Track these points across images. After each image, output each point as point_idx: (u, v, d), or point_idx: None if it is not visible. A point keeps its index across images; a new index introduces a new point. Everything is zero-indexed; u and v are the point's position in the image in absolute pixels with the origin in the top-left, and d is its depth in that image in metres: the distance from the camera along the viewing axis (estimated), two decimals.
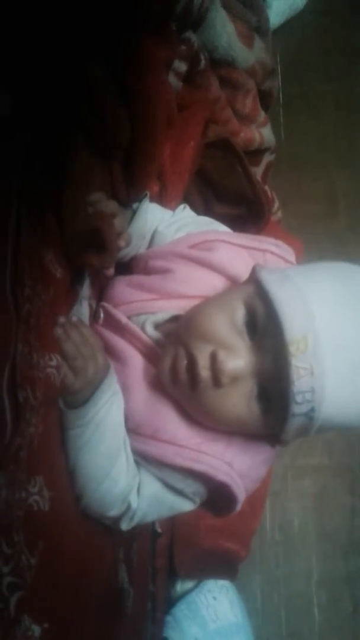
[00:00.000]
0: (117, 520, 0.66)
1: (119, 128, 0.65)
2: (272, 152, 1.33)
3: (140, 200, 0.74)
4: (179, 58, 0.88)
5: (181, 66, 0.89)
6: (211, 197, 1.12)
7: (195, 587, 1.25)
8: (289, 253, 0.75)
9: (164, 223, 0.78)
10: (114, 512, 0.65)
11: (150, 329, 0.68)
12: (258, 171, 1.32)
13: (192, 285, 0.70)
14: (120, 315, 0.70)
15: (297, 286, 0.56)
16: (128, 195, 0.72)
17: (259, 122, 1.22)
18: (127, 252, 0.76)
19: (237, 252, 0.72)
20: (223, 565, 1.27)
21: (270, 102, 1.32)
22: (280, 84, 1.63)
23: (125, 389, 0.66)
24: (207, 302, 0.65)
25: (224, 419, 0.61)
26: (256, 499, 1.36)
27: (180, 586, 1.26)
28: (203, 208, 1.12)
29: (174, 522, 1.18)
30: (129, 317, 0.70)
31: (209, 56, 1.02)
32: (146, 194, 0.73)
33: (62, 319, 0.60)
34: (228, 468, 0.64)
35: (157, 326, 0.69)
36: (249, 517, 1.33)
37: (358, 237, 1.68)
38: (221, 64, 1.08)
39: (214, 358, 0.57)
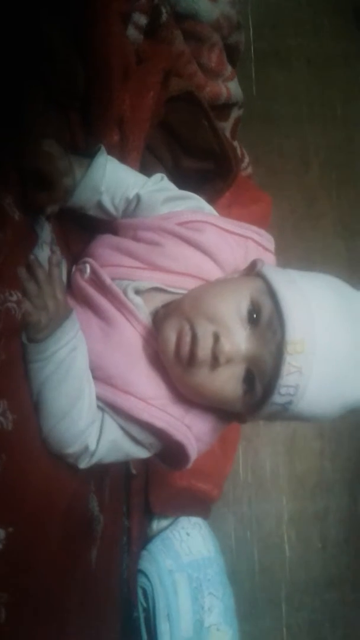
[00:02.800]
0: (76, 458, 0.71)
1: (73, 76, 0.68)
2: (240, 107, 1.34)
3: (95, 153, 0.75)
4: (138, 11, 0.90)
5: (141, 19, 0.91)
6: (179, 151, 1.14)
7: (170, 525, 1.33)
8: (269, 242, 0.82)
9: (145, 188, 0.79)
10: (71, 450, 0.69)
11: (131, 294, 0.73)
12: (227, 126, 1.34)
13: (179, 262, 0.75)
14: (106, 276, 0.74)
15: (302, 292, 0.63)
16: (86, 143, 0.75)
17: (225, 77, 1.24)
18: (84, 202, 0.77)
19: (223, 236, 0.77)
20: (196, 504, 1.34)
21: (237, 56, 1.32)
22: (251, 39, 1.64)
23: (106, 343, 0.71)
24: (217, 286, 0.72)
25: (210, 395, 0.68)
26: (228, 443, 1.42)
27: (157, 525, 1.34)
28: (171, 162, 1.15)
29: (148, 464, 1.24)
30: (112, 280, 0.74)
31: (171, 10, 1.03)
32: (100, 147, 0.75)
33: (31, 257, 0.65)
34: (186, 430, 0.71)
35: (136, 292, 0.74)
36: (222, 461, 1.40)
37: (329, 192, 1.71)
38: (185, 18, 1.09)
39: (216, 339, 0.64)
